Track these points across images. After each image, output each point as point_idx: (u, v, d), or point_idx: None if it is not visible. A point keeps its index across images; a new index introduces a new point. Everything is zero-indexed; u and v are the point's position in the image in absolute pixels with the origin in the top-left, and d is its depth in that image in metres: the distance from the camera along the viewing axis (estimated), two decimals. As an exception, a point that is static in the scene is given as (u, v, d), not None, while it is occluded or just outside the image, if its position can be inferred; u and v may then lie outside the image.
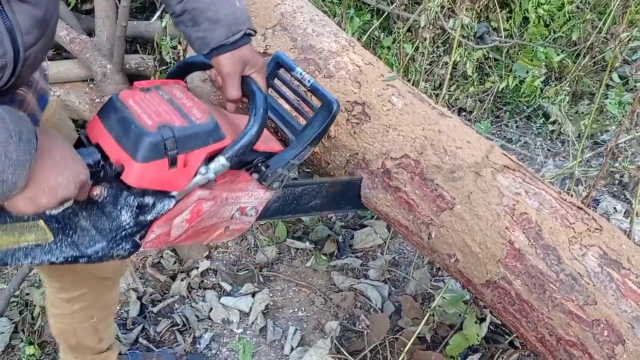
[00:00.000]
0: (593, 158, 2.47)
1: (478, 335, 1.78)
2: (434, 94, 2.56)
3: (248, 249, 2.27)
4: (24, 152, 0.80)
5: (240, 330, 2.00)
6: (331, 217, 2.42)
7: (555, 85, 2.74)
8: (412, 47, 2.34)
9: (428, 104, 1.52)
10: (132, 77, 2.22)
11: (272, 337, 1.97)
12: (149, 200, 1.03)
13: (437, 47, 2.71)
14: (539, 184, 1.36)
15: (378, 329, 1.93)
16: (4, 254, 0.99)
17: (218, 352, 1.93)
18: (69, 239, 1.04)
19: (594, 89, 2.76)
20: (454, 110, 2.74)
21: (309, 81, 1.22)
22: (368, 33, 2.54)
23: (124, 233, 1.04)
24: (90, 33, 2.43)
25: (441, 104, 1.68)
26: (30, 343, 1.88)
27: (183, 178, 1.05)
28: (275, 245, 2.26)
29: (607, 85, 2.73)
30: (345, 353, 1.85)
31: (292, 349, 1.93)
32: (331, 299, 2.09)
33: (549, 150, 2.62)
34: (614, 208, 2.32)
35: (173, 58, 2.26)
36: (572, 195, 2.15)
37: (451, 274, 1.46)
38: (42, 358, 1.88)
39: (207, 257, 2.23)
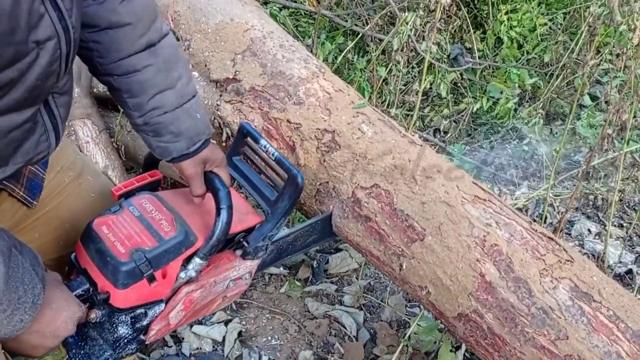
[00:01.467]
0: (567, 179, 2.48)
1: (453, 364, 1.75)
2: (408, 115, 2.56)
3: (220, 275, 2.22)
4: (31, 312, 0.92)
5: (212, 361, 1.95)
6: (306, 241, 2.38)
7: (529, 106, 2.76)
8: (386, 70, 2.33)
9: (398, 132, 1.51)
10: (100, 101, 2.17)
11: (247, 366, 1.92)
12: (140, 311, 1.12)
13: (412, 67, 2.71)
14: (509, 214, 1.35)
15: (352, 358, 1.89)
16: None
17: (188, 385, 1.87)
18: (82, 351, 1.13)
19: (567, 109, 2.78)
20: (428, 132, 2.74)
21: (273, 154, 1.25)
22: (343, 54, 2.54)
23: (125, 340, 1.14)
24: (59, 55, 2.38)
25: (412, 130, 1.67)
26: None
27: (165, 287, 1.13)
28: (248, 271, 2.21)
29: (580, 106, 2.76)
30: (319, 384, 1.81)
31: (264, 380, 1.89)
32: (305, 327, 2.04)
33: (523, 171, 2.63)
34: (588, 230, 2.33)
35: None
36: (546, 218, 2.15)
37: (424, 306, 1.43)
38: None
39: (178, 285, 2.17)
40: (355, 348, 1.93)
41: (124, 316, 1.11)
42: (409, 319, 2.01)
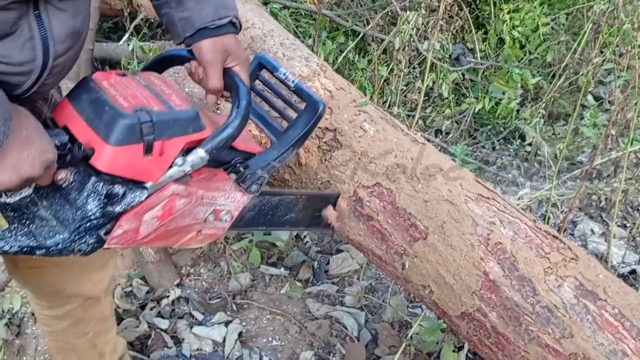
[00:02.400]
0: (569, 180, 2.46)
1: (456, 365, 1.74)
2: (410, 115, 2.54)
3: (221, 275, 2.21)
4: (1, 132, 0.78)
5: (212, 362, 1.93)
6: (306, 241, 2.37)
7: (531, 106, 2.74)
8: (387, 70, 2.32)
9: (401, 130, 1.49)
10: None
11: (248, 368, 1.91)
12: (119, 189, 0.95)
13: (413, 68, 2.70)
14: (513, 212, 1.33)
15: (354, 359, 1.88)
16: None
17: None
18: (26, 229, 0.94)
19: (569, 109, 2.77)
20: (430, 132, 2.73)
21: (293, 82, 1.18)
22: (344, 54, 2.52)
23: (88, 224, 0.95)
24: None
25: (414, 129, 1.65)
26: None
27: (158, 167, 0.98)
28: (249, 271, 2.20)
29: (583, 106, 2.75)
30: (320, 385, 1.79)
31: (265, 381, 1.87)
32: (306, 327, 2.03)
33: (525, 172, 2.61)
34: (592, 230, 2.31)
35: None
36: (549, 218, 2.14)
37: (426, 305, 1.42)
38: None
39: (179, 285, 2.15)
40: (357, 348, 1.91)
41: (101, 185, 0.92)
42: (411, 319, 2.00)
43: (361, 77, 2.49)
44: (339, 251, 2.30)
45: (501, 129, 2.80)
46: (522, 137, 2.75)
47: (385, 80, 2.46)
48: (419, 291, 1.37)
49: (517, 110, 2.77)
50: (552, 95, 2.68)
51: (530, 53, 2.86)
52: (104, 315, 1.49)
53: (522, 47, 2.88)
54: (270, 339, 2.01)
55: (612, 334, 1.15)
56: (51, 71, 0.91)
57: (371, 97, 2.36)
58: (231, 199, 1.16)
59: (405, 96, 2.62)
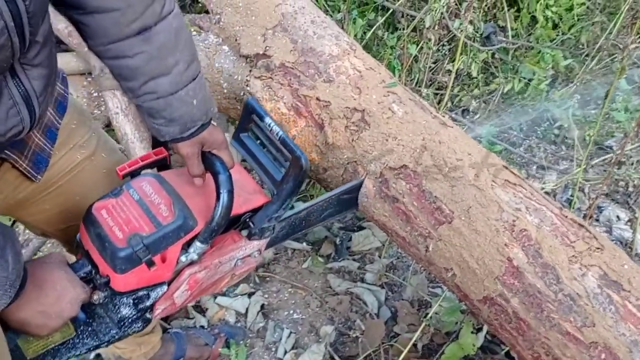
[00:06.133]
0: (597, 165, 2.43)
1: (474, 345, 1.75)
2: (437, 94, 2.52)
3: (245, 248, 2.25)
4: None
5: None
6: (330, 218, 2.39)
7: (562, 88, 2.69)
8: (417, 48, 2.29)
9: (429, 113, 1.49)
10: (130, 72, 2.19)
11: (270, 339, 1.95)
12: (142, 293, 1.13)
13: (443, 45, 2.66)
14: (540, 200, 1.33)
15: (373, 335, 1.91)
16: None
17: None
18: (89, 328, 1.15)
19: (600, 92, 2.71)
20: (457, 112, 2.70)
21: (277, 134, 1.21)
22: (372, 30, 2.49)
23: (130, 320, 1.17)
24: (90, 25, 2.39)
25: (443, 111, 1.64)
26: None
27: (166, 270, 1.13)
28: (272, 245, 2.23)
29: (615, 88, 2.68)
30: (339, 359, 1.83)
31: (285, 352, 1.92)
32: (327, 302, 2.07)
33: (552, 155, 2.58)
34: (617, 216, 2.29)
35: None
36: (575, 203, 2.12)
37: (448, 287, 1.43)
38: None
39: (203, 256, 2.20)
40: (376, 325, 1.95)
41: (125, 298, 1.12)
42: (431, 299, 2.02)
43: (390, 55, 2.46)
44: (361, 228, 2.32)
45: (530, 110, 2.76)
46: (551, 120, 2.71)
47: (413, 58, 2.43)
48: (441, 274, 1.38)
49: (547, 92, 2.72)
50: (584, 78, 2.62)
51: (563, 33, 2.79)
52: None
53: (555, 26, 2.81)
54: (291, 311, 2.06)
55: (635, 324, 1.15)
56: (38, 120, 0.97)
57: (399, 76, 2.34)
58: (250, 247, 1.29)
59: (432, 74, 2.58)
